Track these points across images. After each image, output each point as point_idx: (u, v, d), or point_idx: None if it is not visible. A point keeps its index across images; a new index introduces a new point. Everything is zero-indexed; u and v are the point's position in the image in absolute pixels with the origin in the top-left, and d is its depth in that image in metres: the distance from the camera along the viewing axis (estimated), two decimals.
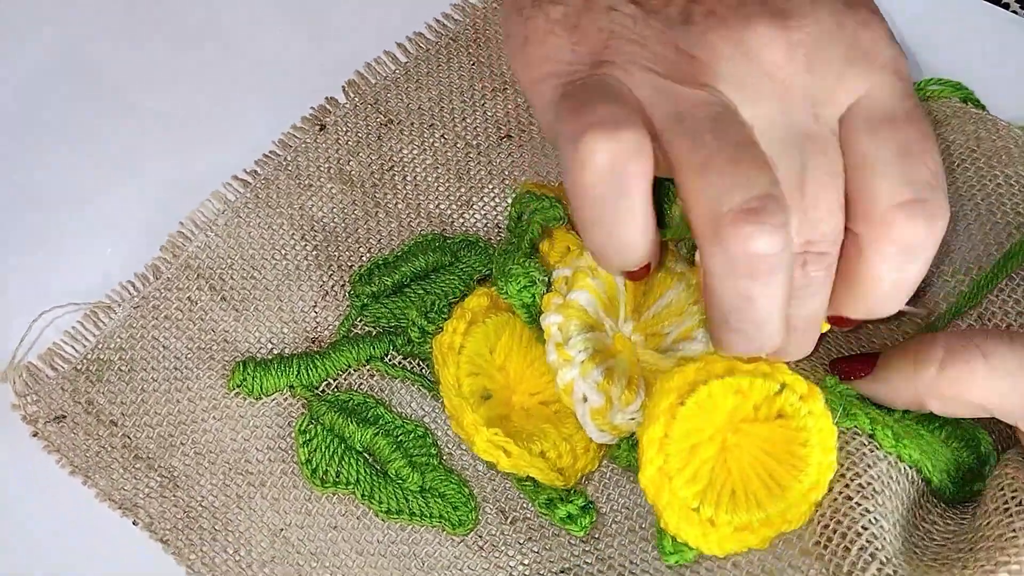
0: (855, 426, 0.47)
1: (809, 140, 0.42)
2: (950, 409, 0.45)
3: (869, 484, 0.46)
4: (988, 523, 0.45)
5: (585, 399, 0.48)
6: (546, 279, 0.50)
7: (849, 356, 0.49)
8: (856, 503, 0.45)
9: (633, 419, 0.49)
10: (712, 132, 0.40)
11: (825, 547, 0.45)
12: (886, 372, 0.46)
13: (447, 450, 0.53)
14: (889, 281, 0.42)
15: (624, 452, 0.50)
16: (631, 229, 0.42)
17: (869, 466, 0.46)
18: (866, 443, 0.46)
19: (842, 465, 0.46)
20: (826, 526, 0.45)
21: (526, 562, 0.51)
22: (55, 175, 0.59)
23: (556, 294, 0.50)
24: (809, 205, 0.41)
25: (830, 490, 0.46)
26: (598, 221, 0.42)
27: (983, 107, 0.58)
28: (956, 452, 0.48)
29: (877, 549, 0.44)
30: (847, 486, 0.46)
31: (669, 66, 0.42)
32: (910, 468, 0.47)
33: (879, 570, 0.43)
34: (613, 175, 0.41)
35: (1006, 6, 0.64)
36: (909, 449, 0.46)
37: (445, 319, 0.52)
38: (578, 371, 0.48)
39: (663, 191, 0.47)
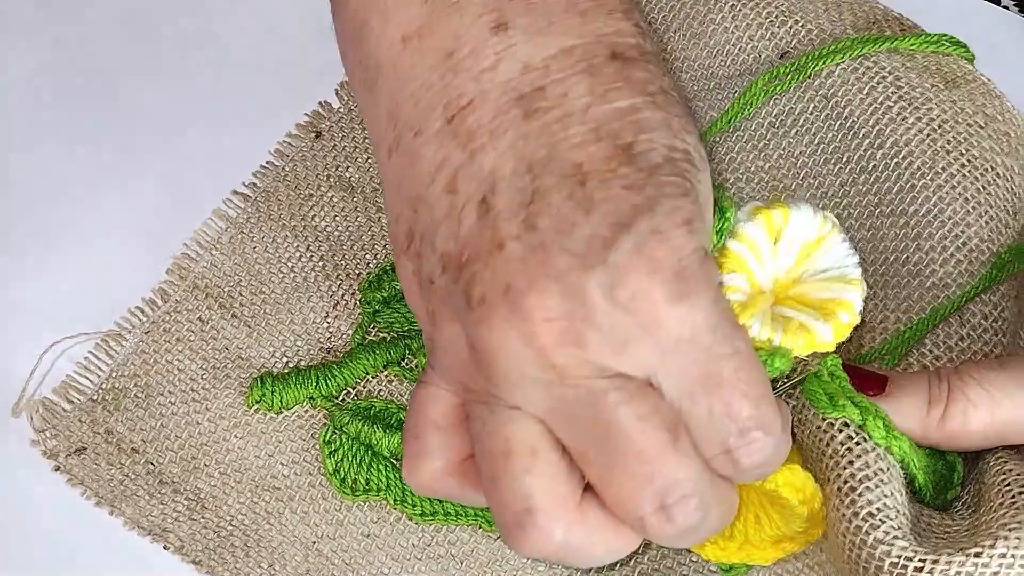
0: (844, 416, 0.46)
1: (599, 403, 0.40)
2: (956, 445, 0.46)
3: (846, 484, 0.45)
4: (993, 517, 0.45)
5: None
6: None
7: (861, 369, 0.48)
8: (836, 508, 0.45)
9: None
10: (480, 453, 0.42)
11: (838, 555, 0.45)
12: (898, 405, 0.46)
13: None
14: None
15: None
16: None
17: (852, 461, 0.45)
18: (854, 435, 0.46)
19: (827, 466, 0.46)
20: (832, 534, 0.45)
21: None
22: (47, 199, 0.59)
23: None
24: (631, 460, 0.40)
25: (826, 498, 0.46)
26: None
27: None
28: (929, 456, 0.47)
29: (880, 523, 0.44)
30: (839, 487, 0.45)
31: (463, 367, 0.42)
32: (897, 463, 0.46)
33: (885, 535, 0.43)
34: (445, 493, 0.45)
35: (1006, 7, 0.64)
36: (900, 442, 0.45)
37: None
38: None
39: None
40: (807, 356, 0.47)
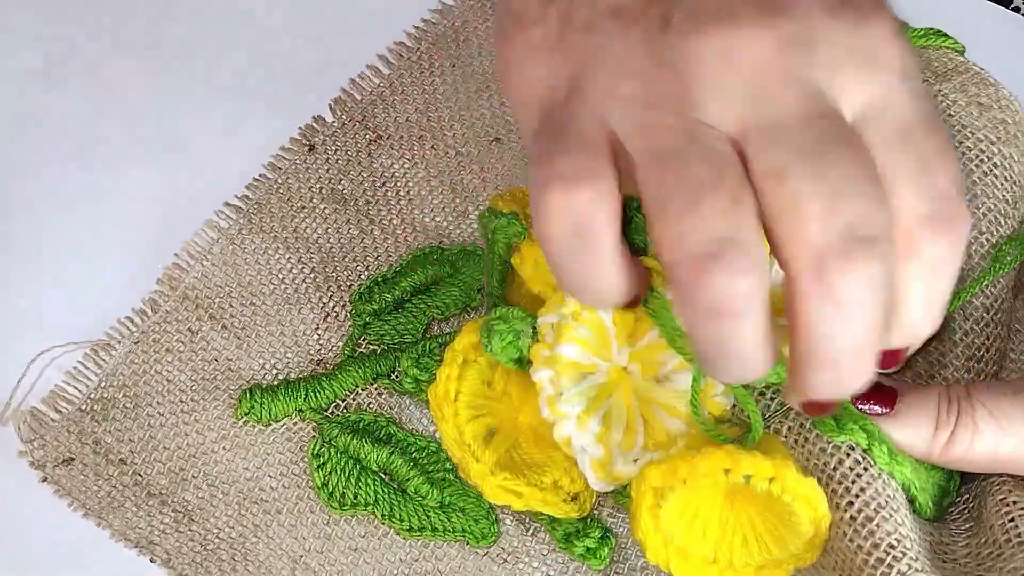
0: (850, 440, 0.46)
1: (817, 123, 0.38)
2: (958, 467, 0.46)
3: (861, 512, 0.45)
4: (1001, 554, 0.45)
5: (584, 451, 0.47)
6: (530, 329, 0.48)
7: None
8: (850, 539, 0.44)
9: (636, 461, 0.47)
10: (675, 171, 0.38)
11: None
12: (904, 425, 0.45)
13: None
14: (919, 302, 0.40)
15: (627, 498, 0.48)
16: (603, 275, 0.40)
17: (864, 488, 0.45)
18: (860, 460, 0.45)
19: (836, 492, 0.45)
20: (837, 563, 0.45)
21: (553, 572, 0.50)
22: (37, 207, 0.59)
23: (543, 345, 0.48)
24: (837, 189, 0.37)
25: (832, 524, 0.45)
26: (568, 270, 0.41)
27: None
28: (929, 468, 0.47)
29: (902, 555, 0.43)
30: (842, 519, 0.45)
31: (647, 86, 0.39)
32: (899, 487, 0.46)
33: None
34: (576, 230, 0.39)
35: (1016, 9, 0.64)
36: (902, 466, 0.45)
37: (437, 364, 0.51)
38: (574, 425, 0.47)
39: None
40: None
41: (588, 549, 0.50)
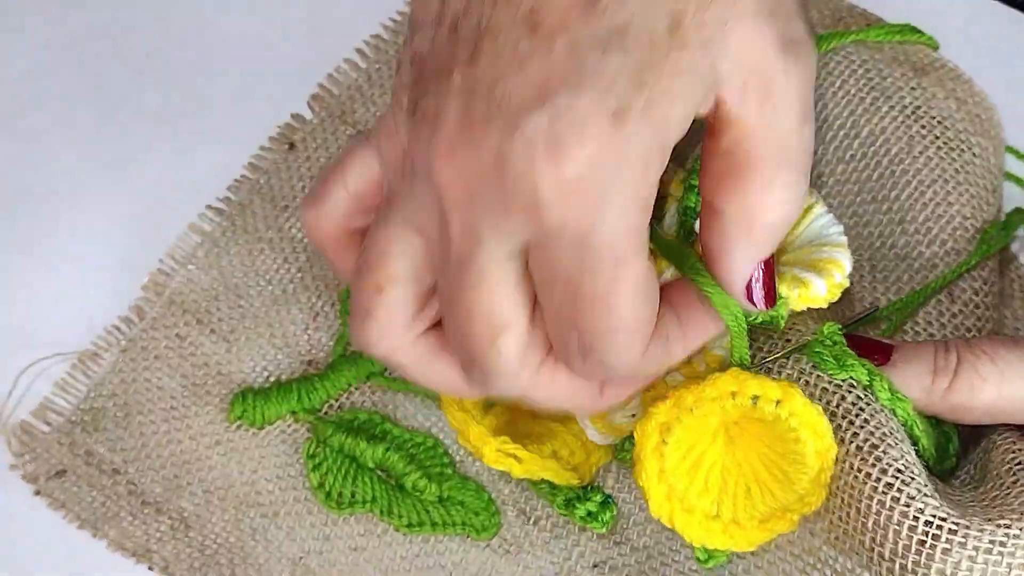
0: (851, 377, 0.46)
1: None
2: (959, 417, 0.46)
3: (867, 442, 0.45)
4: (1011, 493, 0.45)
5: None
6: None
7: (864, 337, 0.48)
8: (858, 469, 0.44)
9: (634, 416, 0.48)
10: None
11: (845, 522, 0.44)
12: (902, 374, 0.46)
13: (459, 457, 0.52)
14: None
15: (628, 453, 0.49)
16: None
17: (868, 420, 0.45)
18: (862, 396, 0.46)
19: (840, 427, 0.45)
20: (843, 501, 0.45)
21: (555, 560, 0.50)
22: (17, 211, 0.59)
23: None
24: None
25: (837, 459, 0.45)
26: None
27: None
28: (928, 422, 0.47)
29: (910, 479, 0.43)
30: (847, 452, 0.45)
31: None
32: (902, 426, 0.46)
33: (907, 506, 0.43)
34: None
35: (1019, 5, 0.63)
36: (904, 402, 0.45)
37: None
38: None
39: None
40: (802, 309, 0.47)
41: (589, 513, 0.50)
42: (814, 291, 0.47)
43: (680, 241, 0.50)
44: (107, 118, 0.61)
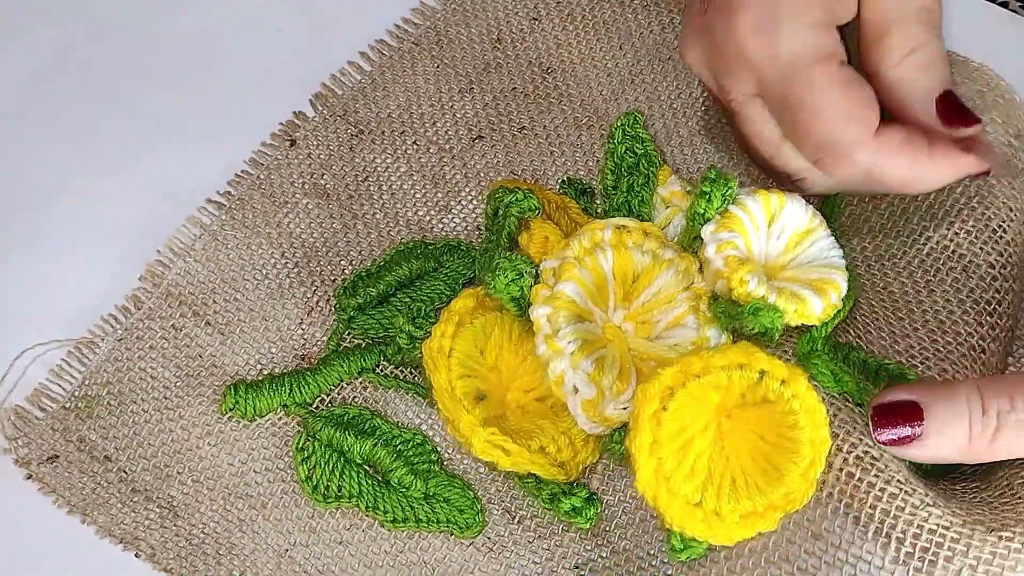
0: (845, 393, 0.47)
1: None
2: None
3: (867, 454, 0.46)
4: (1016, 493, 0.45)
5: (576, 390, 0.48)
6: (533, 271, 0.50)
7: (888, 405, 0.47)
8: (859, 479, 0.45)
9: (625, 409, 0.48)
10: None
11: (840, 529, 0.45)
12: (935, 447, 0.45)
13: (447, 455, 0.53)
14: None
15: (618, 444, 0.50)
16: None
17: (863, 435, 0.46)
18: (855, 410, 0.46)
19: (836, 436, 0.46)
20: (835, 510, 0.45)
21: (538, 560, 0.50)
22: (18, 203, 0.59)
23: (544, 285, 0.50)
24: None
25: (829, 467, 0.45)
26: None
27: None
28: None
29: (905, 499, 0.44)
30: (846, 460, 0.46)
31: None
32: None
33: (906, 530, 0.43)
34: None
35: (1004, 4, 0.64)
36: None
37: (433, 323, 0.51)
38: (568, 362, 0.48)
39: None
40: (796, 324, 0.49)
41: (574, 508, 0.50)
42: (810, 308, 0.48)
43: (686, 246, 0.51)
44: (109, 109, 0.61)
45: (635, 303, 0.50)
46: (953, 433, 0.45)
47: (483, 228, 0.57)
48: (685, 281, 0.50)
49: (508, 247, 0.52)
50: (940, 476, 0.48)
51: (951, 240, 0.52)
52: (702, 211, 0.50)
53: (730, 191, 0.50)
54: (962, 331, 0.50)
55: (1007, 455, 0.45)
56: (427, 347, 0.51)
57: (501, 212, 0.52)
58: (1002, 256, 0.51)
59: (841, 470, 0.45)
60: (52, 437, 0.53)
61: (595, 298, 0.50)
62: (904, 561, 0.43)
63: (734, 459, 0.45)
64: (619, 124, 0.56)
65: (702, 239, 0.50)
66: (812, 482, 0.45)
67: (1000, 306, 0.51)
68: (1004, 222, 0.52)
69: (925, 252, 0.52)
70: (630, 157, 0.56)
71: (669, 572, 0.49)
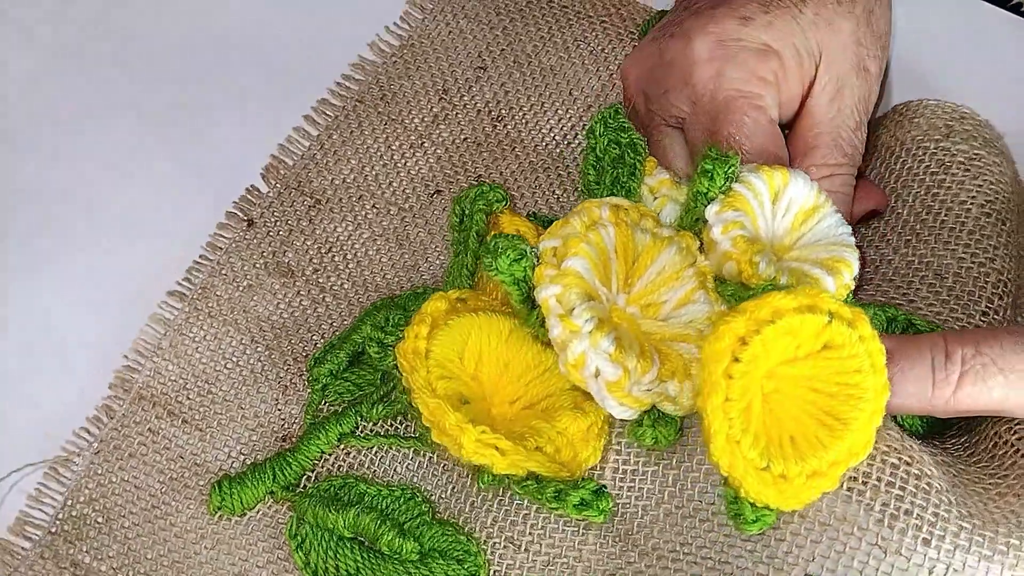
0: None
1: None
2: (959, 414, 0.46)
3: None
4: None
5: (598, 373, 0.46)
6: (534, 252, 0.48)
7: None
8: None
9: (650, 390, 0.46)
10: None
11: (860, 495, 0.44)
12: (899, 388, 0.45)
13: (441, 498, 0.50)
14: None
15: (647, 429, 0.47)
16: None
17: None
18: None
19: None
20: (853, 478, 0.44)
21: None
22: None
23: (547, 265, 0.47)
24: None
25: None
26: None
27: None
28: None
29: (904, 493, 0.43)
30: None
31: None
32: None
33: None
34: None
35: (1015, 8, 0.64)
36: None
37: (403, 328, 0.49)
38: (588, 342, 0.45)
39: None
40: None
41: (583, 500, 0.47)
42: (824, 288, 0.46)
43: (688, 228, 0.51)
44: (112, 119, 0.61)
45: (637, 285, 0.48)
46: (916, 376, 0.45)
47: (450, 239, 0.55)
48: (688, 259, 0.49)
49: (475, 252, 0.50)
50: (928, 437, 0.48)
51: None
52: (704, 190, 0.49)
53: (732, 168, 0.48)
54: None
55: (973, 404, 0.44)
56: (401, 350, 0.49)
57: (467, 211, 0.51)
58: (1003, 274, 0.52)
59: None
60: (44, 567, 0.51)
61: (602, 276, 0.48)
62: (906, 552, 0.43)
63: (786, 420, 0.44)
64: (600, 117, 0.55)
65: (704, 220, 0.49)
66: (874, 433, 0.44)
67: (995, 262, 0.52)
68: None
69: None
70: (614, 149, 0.55)
71: (708, 554, 0.46)
